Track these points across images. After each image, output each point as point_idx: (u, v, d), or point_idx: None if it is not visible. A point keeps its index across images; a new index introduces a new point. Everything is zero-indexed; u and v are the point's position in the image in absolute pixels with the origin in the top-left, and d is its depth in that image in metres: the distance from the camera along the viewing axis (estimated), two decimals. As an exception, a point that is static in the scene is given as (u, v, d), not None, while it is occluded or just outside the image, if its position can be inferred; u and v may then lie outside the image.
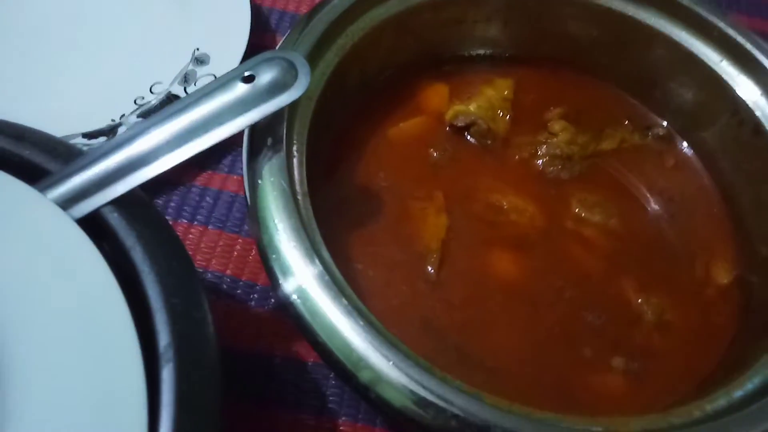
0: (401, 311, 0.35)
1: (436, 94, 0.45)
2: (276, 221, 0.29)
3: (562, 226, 0.39)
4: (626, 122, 0.44)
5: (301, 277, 0.27)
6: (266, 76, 0.30)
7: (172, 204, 0.43)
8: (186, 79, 0.47)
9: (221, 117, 0.29)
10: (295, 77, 0.30)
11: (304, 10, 0.55)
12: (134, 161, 0.28)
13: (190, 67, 0.48)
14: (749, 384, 0.29)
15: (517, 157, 0.42)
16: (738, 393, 0.28)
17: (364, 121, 0.42)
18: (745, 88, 0.39)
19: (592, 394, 0.33)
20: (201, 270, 0.41)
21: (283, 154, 0.31)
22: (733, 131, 0.40)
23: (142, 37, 0.51)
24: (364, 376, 0.26)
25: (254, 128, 0.32)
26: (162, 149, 0.28)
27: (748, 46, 0.38)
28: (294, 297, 0.27)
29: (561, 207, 0.40)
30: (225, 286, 0.40)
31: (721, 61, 0.40)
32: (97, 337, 0.23)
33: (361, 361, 0.26)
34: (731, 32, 0.39)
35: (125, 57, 0.49)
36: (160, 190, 0.44)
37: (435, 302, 0.36)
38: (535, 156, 0.42)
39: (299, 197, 0.31)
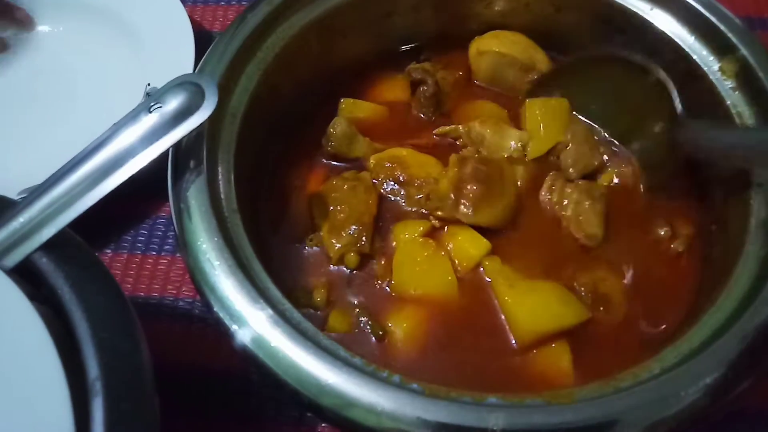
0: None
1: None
2: (199, 242, 0.29)
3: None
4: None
5: (222, 289, 0.28)
6: (173, 103, 0.30)
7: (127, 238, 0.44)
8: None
9: (133, 150, 0.29)
10: (204, 100, 0.30)
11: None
12: (57, 205, 0.29)
13: (144, 103, 0.49)
14: (696, 337, 0.28)
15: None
16: (684, 347, 0.27)
17: (314, 127, 0.42)
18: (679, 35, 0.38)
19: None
20: (157, 296, 0.41)
21: (204, 176, 0.31)
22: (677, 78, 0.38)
23: (98, 85, 0.52)
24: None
25: (176, 154, 0.32)
26: (81, 189, 0.29)
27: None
28: (215, 309, 0.28)
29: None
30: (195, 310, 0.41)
31: (651, 9, 0.39)
32: (24, 377, 0.24)
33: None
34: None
35: (84, 106, 0.51)
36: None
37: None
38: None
39: (226, 214, 0.31)
